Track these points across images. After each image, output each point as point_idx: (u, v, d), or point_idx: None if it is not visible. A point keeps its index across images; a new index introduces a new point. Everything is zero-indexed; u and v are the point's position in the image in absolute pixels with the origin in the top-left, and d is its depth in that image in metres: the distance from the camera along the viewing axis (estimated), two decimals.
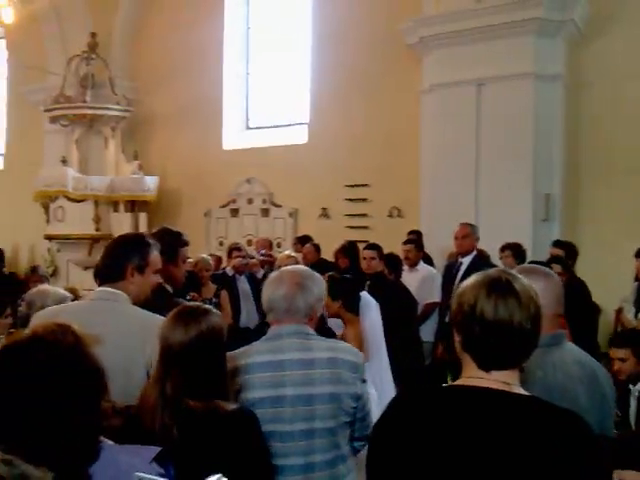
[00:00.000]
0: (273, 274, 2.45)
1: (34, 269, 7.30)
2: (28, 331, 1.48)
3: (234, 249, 7.38)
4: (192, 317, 2.02)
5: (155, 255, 2.65)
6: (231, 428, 1.92)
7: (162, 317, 2.45)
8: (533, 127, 7.26)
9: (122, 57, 11.24)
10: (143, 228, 10.34)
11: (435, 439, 1.51)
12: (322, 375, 2.22)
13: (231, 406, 1.97)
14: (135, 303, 2.54)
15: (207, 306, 2.14)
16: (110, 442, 1.45)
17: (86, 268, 10.04)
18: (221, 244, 10.25)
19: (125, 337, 2.35)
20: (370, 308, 4.27)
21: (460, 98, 7.56)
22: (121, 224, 10.28)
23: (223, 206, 10.55)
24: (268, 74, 10.68)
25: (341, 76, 9.22)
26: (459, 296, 1.61)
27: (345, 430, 2.30)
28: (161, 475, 1.46)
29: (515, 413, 1.50)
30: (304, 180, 9.53)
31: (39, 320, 2.46)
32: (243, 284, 7.03)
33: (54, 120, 10.66)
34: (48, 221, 10.64)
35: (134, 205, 10.42)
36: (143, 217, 10.43)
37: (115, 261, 2.58)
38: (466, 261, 5.85)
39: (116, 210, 10.47)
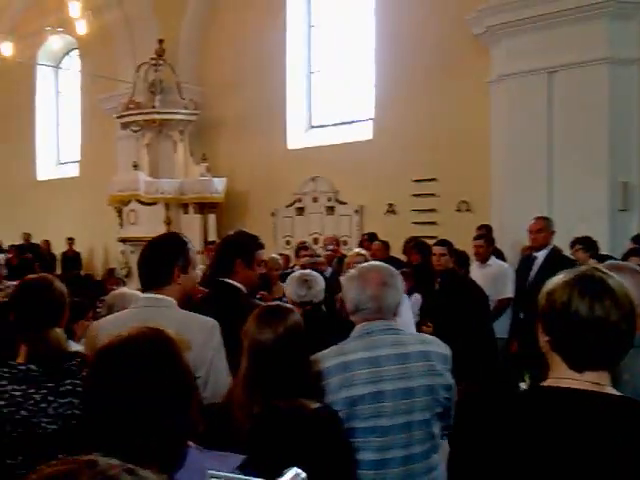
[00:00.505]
0: (352, 274, 2.43)
1: (110, 272, 7.56)
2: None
3: (301, 248, 7.43)
4: (277, 316, 2.06)
5: (193, 251, 2.64)
6: (315, 426, 1.93)
7: (211, 319, 2.48)
8: (608, 114, 6.96)
9: (189, 62, 11.50)
10: (212, 229, 10.58)
11: (527, 441, 1.47)
12: (417, 368, 2.27)
13: (314, 404, 1.98)
14: (180, 303, 2.53)
15: (287, 305, 2.16)
16: (195, 446, 1.44)
17: None
18: (288, 243, 10.34)
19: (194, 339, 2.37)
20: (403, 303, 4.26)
21: (531, 87, 7.34)
22: (191, 225, 10.53)
23: (289, 205, 10.63)
24: (331, 72, 10.68)
25: (406, 70, 9.11)
26: (548, 294, 1.54)
27: (437, 420, 2.34)
28: None
29: (609, 415, 1.45)
30: (369, 176, 9.48)
31: (94, 331, 2.50)
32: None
33: (125, 126, 11.02)
34: (121, 224, 11.00)
35: (203, 207, 10.64)
36: (212, 218, 10.65)
37: (162, 266, 2.50)
38: (541, 256, 5.66)
39: (186, 212, 10.72)
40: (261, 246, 3.22)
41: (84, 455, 0.91)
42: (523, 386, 3.81)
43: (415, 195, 9.12)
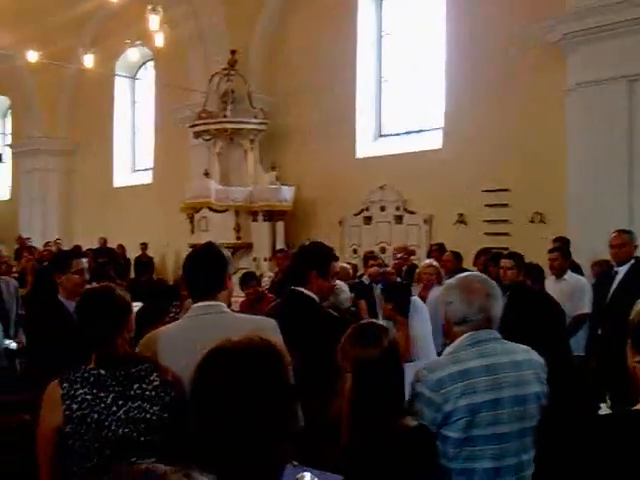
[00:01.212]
0: (452, 284, 2.43)
1: None
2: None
3: (370, 257, 7.40)
4: (377, 332, 2.10)
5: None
6: (413, 444, 1.92)
7: (270, 319, 2.58)
8: None
9: (260, 72, 11.70)
10: (280, 237, 10.69)
11: (620, 471, 1.40)
12: (529, 376, 2.33)
13: (413, 422, 1.97)
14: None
15: (380, 322, 2.18)
16: (294, 462, 1.43)
17: None
18: (355, 252, 10.33)
19: None
20: (418, 311, 4.63)
21: (610, 96, 7.10)
22: (260, 233, 10.68)
23: (357, 214, 10.63)
24: (401, 80, 10.63)
25: (477, 78, 8.97)
26: None
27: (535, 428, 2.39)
28: None
29: None
30: (439, 186, 9.36)
31: (155, 338, 2.52)
32: (379, 292, 7.01)
33: (197, 135, 11.30)
34: (193, 230, 11.25)
35: (272, 214, 10.76)
36: (280, 226, 10.76)
37: (215, 274, 2.58)
38: (622, 270, 5.42)
39: (255, 219, 10.87)
40: (336, 258, 3.26)
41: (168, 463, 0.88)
42: (605, 407, 3.67)
43: (487, 205, 8.94)
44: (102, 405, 2.20)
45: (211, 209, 10.82)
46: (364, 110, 10.82)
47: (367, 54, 10.87)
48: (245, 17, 11.43)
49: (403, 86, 10.61)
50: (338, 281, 4.14)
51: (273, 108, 11.49)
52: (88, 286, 4.38)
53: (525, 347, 2.49)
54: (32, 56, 9.75)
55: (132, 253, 13.35)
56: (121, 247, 13.28)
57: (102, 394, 2.21)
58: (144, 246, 13.27)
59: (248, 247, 10.95)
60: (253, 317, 2.55)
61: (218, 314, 2.48)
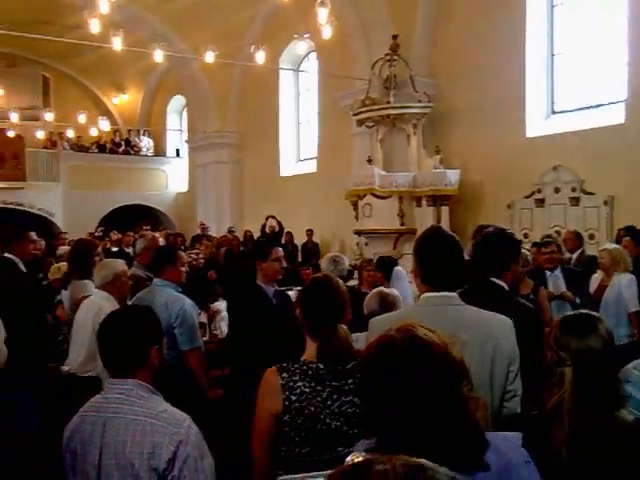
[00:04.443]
0: None
1: (369, 261, 8.00)
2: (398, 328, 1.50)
3: (544, 243, 7.01)
4: (594, 322, 1.98)
5: None
6: (633, 439, 1.81)
7: (506, 318, 2.44)
8: None
9: (422, 55, 11.54)
10: (445, 222, 10.49)
11: None
12: None
13: (630, 416, 1.87)
14: None
15: (591, 312, 2.05)
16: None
17: None
18: (526, 236, 9.86)
19: (487, 341, 2.34)
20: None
21: None
22: (424, 218, 10.56)
23: (527, 196, 10.14)
24: (576, 53, 9.92)
25: None
26: None
27: None
28: (526, 462, 1.47)
29: None
30: (621, 164, 8.65)
31: (380, 324, 2.55)
32: (556, 279, 6.63)
33: (361, 123, 11.40)
34: (357, 217, 11.42)
35: (436, 199, 10.60)
36: (445, 211, 10.57)
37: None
38: None
39: (419, 205, 10.77)
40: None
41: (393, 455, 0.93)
42: None
43: None
44: (318, 399, 2.27)
45: (375, 195, 10.88)
46: (535, 86, 10.25)
47: (537, 27, 10.26)
48: (406, 1, 11.31)
49: (578, 59, 9.89)
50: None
51: (436, 91, 11.28)
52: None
53: None
54: (209, 57, 10.39)
55: (299, 240, 13.86)
56: (289, 234, 13.83)
57: (319, 388, 2.29)
58: (310, 232, 13.72)
59: (412, 233, 10.88)
60: (488, 313, 2.41)
61: (452, 306, 2.38)
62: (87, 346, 4.17)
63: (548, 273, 6.60)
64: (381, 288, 4.53)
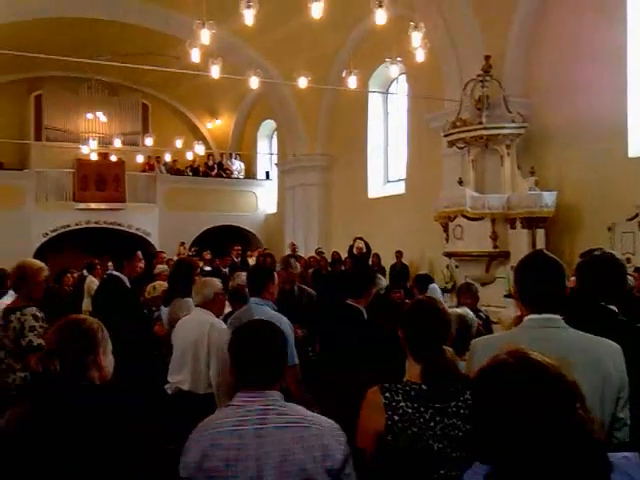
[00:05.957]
0: None
1: (468, 286, 7.91)
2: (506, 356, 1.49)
3: None
4: None
5: None
6: None
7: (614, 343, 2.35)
8: None
9: (515, 75, 11.31)
10: (540, 244, 10.14)
11: None
12: None
13: None
14: None
15: None
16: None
17: (483, 284, 10.28)
18: (629, 261, 9.35)
19: (595, 365, 2.25)
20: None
21: None
22: (518, 241, 10.27)
23: (630, 219, 9.63)
24: None
25: None
26: None
27: None
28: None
29: None
30: None
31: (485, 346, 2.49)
32: None
33: (452, 144, 11.27)
34: (447, 239, 11.25)
35: (531, 221, 10.29)
36: (540, 233, 10.24)
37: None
38: None
39: (513, 227, 10.48)
40: None
41: None
42: None
43: None
44: (421, 420, 2.26)
45: (466, 217, 10.70)
46: (637, 103, 9.79)
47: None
48: (499, 20, 11.15)
49: None
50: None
51: (531, 110, 11.00)
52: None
53: None
54: (302, 82, 10.64)
55: (387, 262, 13.79)
56: (376, 256, 13.79)
57: (422, 409, 2.28)
58: (399, 254, 13.63)
59: (505, 256, 10.61)
60: (595, 337, 2.34)
61: (557, 328, 2.34)
62: (202, 363, 4.37)
63: None
64: (462, 309, 4.46)
